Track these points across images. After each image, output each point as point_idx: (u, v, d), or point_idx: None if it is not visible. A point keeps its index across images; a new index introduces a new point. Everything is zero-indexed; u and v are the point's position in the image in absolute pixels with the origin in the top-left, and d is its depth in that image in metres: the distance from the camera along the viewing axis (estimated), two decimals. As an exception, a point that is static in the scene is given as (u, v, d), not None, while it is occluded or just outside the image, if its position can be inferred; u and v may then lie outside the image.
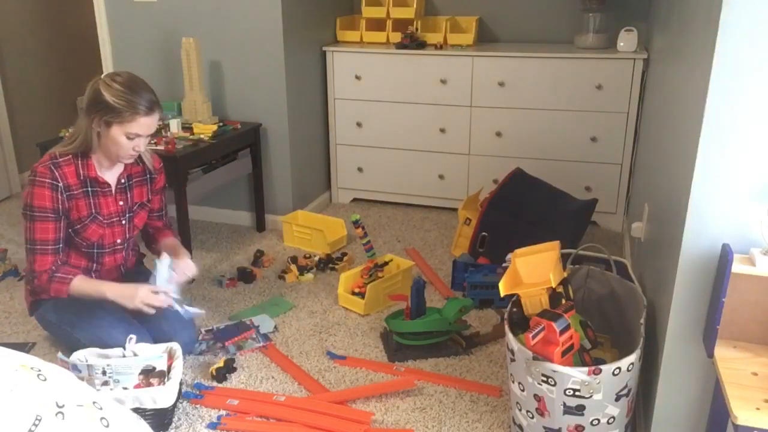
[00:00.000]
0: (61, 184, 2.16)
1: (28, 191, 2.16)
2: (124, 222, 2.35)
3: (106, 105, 2.09)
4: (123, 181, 2.33)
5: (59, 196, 2.17)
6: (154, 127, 2.20)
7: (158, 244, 2.51)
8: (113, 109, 2.09)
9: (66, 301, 2.29)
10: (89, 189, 2.24)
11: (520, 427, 1.89)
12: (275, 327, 2.60)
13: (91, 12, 3.53)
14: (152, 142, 2.94)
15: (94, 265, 2.34)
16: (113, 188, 2.30)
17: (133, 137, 2.14)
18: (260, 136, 3.42)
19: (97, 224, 2.27)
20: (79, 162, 2.21)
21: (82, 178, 2.21)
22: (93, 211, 2.26)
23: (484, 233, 3.01)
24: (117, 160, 2.23)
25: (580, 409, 1.73)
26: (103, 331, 2.22)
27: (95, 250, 2.31)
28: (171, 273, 2.30)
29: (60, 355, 2.08)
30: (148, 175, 2.41)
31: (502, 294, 1.92)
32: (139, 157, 2.35)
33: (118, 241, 2.36)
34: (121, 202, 2.33)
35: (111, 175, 2.30)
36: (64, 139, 2.29)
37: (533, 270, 1.98)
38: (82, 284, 2.20)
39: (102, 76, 2.17)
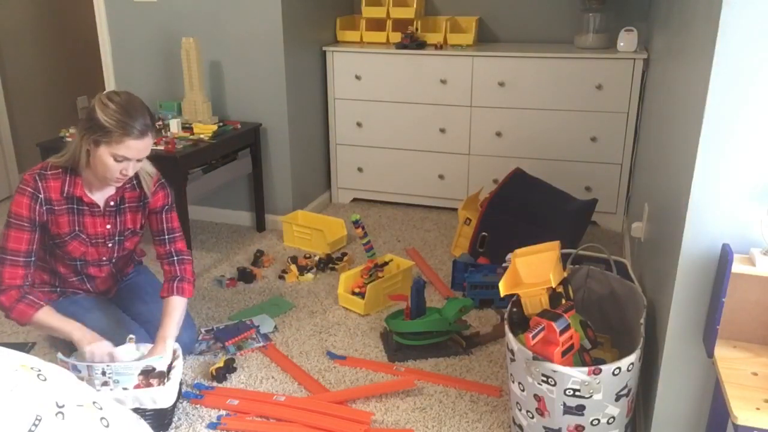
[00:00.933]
0: (41, 196, 2.08)
1: (13, 197, 2.10)
2: (110, 245, 2.26)
3: (97, 123, 1.98)
4: (112, 204, 2.21)
5: (38, 207, 2.08)
6: (146, 152, 2.06)
7: (164, 296, 2.25)
8: (103, 128, 1.97)
9: (64, 304, 2.27)
10: (74, 207, 2.15)
11: (520, 427, 1.89)
12: (275, 327, 2.60)
13: (91, 12, 3.53)
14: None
15: (81, 274, 2.30)
16: (102, 209, 2.19)
17: (121, 160, 2.01)
18: (260, 136, 3.42)
19: (80, 242, 2.19)
20: (68, 178, 2.11)
21: (66, 195, 2.12)
22: (76, 228, 2.17)
23: (484, 233, 3.01)
24: (105, 182, 2.11)
25: (580, 409, 1.73)
26: (101, 334, 2.21)
27: (78, 263, 2.25)
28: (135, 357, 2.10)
29: (60, 355, 2.08)
30: (143, 201, 2.27)
31: (502, 294, 1.92)
32: (138, 181, 2.24)
33: (104, 258, 2.28)
34: (108, 226, 2.22)
35: (100, 196, 2.18)
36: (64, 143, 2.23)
37: (533, 270, 1.98)
38: (47, 317, 2.08)
39: (102, 93, 2.07)
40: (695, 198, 1.50)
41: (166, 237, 2.30)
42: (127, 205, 2.24)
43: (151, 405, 1.96)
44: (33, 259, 2.12)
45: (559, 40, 3.70)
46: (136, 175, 2.22)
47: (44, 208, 2.10)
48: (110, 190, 2.20)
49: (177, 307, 2.21)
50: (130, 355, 2.07)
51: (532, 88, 3.43)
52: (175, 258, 2.30)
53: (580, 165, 3.48)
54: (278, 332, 2.59)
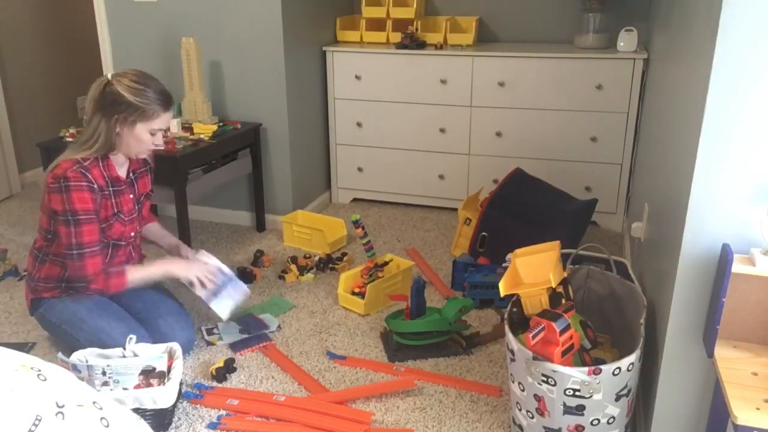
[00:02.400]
0: (95, 186, 2.18)
1: (63, 197, 2.12)
2: (135, 215, 2.39)
3: (129, 105, 2.13)
4: (131, 175, 2.37)
5: (97, 197, 2.19)
6: (170, 120, 2.29)
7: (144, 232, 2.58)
8: (137, 108, 2.14)
9: (66, 302, 2.29)
10: (111, 189, 2.27)
11: (520, 427, 1.89)
12: (278, 327, 2.60)
13: (91, 12, 3.53)
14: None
15: (107, 259, 2.33)
16: (125, 184, 2.34)
17: (155, 132, 2.22)
18: (260, 136, 3.42)
19: (120, 222, 2.30)
20: (101, 164, 2.23)
21: (106, 179, 2.24)
22: (116, 210, 2.28)
23: (484, 233, 3.01)
24: (135, 156, 2.29)
25: (580, 409, 1.73)
26: (102, 332, 2.22)
27: (111, 243, 2.32)
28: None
29: (60, 355, 2.08)
30: (148, 166, 2.46)
31: (502, 294, 1.92)
32: None
33: (132, 234, 2.39)
34: (131, 196, 2.36)
35: (123, 172, 2.33)
36: (72, 143, 2.26)
37: (533, 270, 1.98)
38: (136, 272, 2.27)
39: (110, 76, 2.17)
40: (695, 198, 1.50)
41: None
42: (138, 172, 2.41)
43: (151, 405, 1.96)
44: (103, 243, 2.24)
45: (559, 40, 3.70)
46: None
47: (98, 196, 2.20)
48: (127, 164, 2.35)
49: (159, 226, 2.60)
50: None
51: (532, 88, 3.43)
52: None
53: (580, 165, 3.48)
54: (278, 332, 2.59)
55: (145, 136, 2.20)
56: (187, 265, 2.35)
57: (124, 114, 2.14)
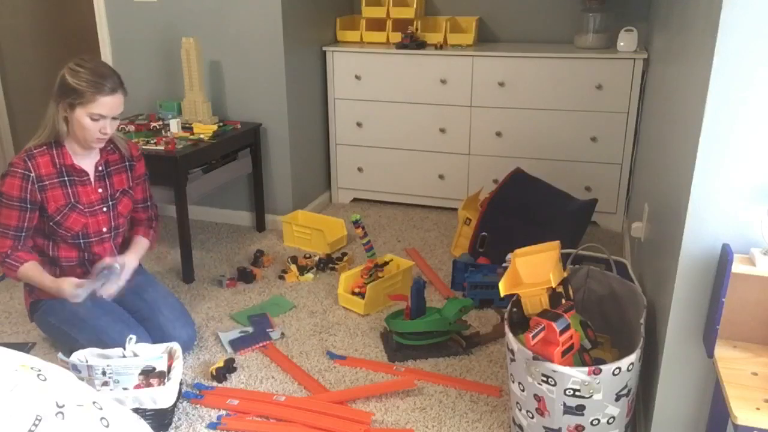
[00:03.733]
0: (33, 175, 2.18)
1: (4, 181, 2.19)
2: (105, 209, 2.34)
3: (69, 88, 2.12)
4: (101, 168, 2.33)
5: (30, 186, 2.18)
6: (119, 109, 2.19)
7: (133, 234, 2.51)
8: (75, 90, 2.11)
9: (65, 302, 2.29)
10: (66, 178, 2.25)
11: (520, 427, 1.89)
12: (282, 334, 2.58)
13: (91, 12, 3.53)
14: (152, 141, 2.94)
15: (85, 254, 2.33)
16: (92, 176, 2.30)
17: (97, 118, 2.15)
18: (260, 136, 3.42)
19: (78, 213, 2.27)
20: (54, 152, 2.22)
21: (58, 167, 2.22)
22: (72, 200, 2.26)
23: (484, 233, 3.01)
24: (87, 145, 2.23)
25: (580, 409, 1.73)
26: (101, 332, 2.22)
27: (81, 240, 2.30)
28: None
29: (60, 355, 2.08)
30: (126, 162, 2.41)
31: (502, 294, 1.92)
32: (114, 144, 2.36)
33: (104, 229, 2.34)
34: (100, 190, 2.32)
35: (88, 163, 2.29)
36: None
37: (533, 270, 1.98)
38: (27, 272, 2.23)
39: (70, 62, 2.17)
40: (695, 198, 1.50)
41: (150, 203, 2.53)
42: (112, 168, 2.37)
43: (151, 405, 1.96)
44: (23, 234, 2.23)
45: (559, 40, 3.70)
46: (111, 140, 2.35)
47: (36, 186, 2.19)
48: (95, 156, 2.32)
49: (142, 244, 2.48)
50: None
51: (532, 88, 3.43)
52: (154, 222, 2.56)
53: (580, 165, 3.48)
54: (280, 332, 2.59)
55: (86, 121, 2.14)
56: (59, 290, 2.22)
57: (64, 97, 2.13)
